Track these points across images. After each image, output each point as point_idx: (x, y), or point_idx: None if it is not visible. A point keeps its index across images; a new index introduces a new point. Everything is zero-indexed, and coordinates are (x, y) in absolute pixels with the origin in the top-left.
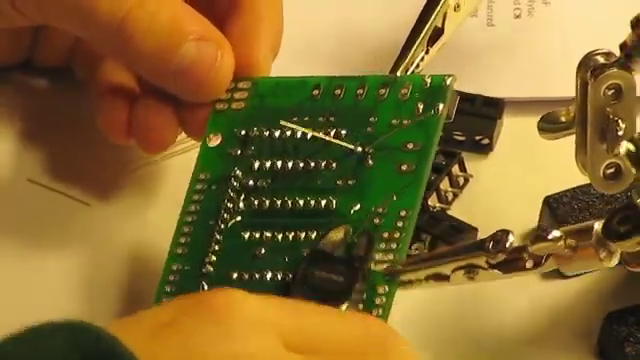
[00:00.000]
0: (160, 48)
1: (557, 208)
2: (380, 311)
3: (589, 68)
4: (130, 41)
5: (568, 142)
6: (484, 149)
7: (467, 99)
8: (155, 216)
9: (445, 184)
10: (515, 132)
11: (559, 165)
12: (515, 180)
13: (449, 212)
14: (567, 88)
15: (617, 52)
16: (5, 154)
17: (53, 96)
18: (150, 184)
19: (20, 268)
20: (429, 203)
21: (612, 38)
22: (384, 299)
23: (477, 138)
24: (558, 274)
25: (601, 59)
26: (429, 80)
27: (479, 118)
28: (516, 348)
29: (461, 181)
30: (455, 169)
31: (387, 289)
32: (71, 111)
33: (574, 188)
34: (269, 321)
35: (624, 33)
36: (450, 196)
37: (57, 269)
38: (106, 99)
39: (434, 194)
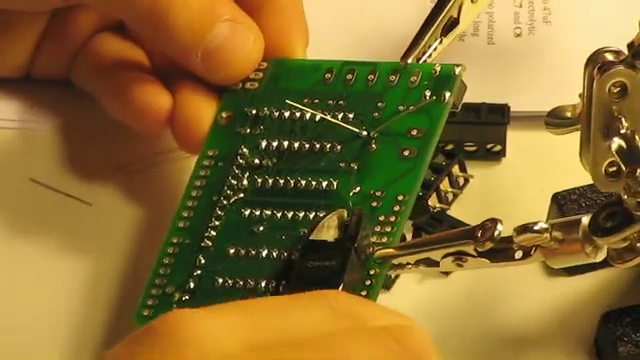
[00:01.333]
0: (192, 26)
1: (564, 205)
2: (369, 292)
3: (596, 64)
4: (163, 18)
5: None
6: (496, 156)
7: (471, 109)
8: (156, 216)
9: (445, 184)
10: (522, 137)
11: (570, 166)
12: (524, 182)
13: (449, 212)
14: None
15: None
16: (8, 154)
17: (56, 96)
18: (151, 185)
19: (21, 267)
20: (429, 203)
21: None
22: (373, 280)
23: (489, 146)
24: (559, 272)
25: (610, 56)
26: (438, 68)
27: (487, 126)
28: (513, 346)
29: (461, 181)
30: (455, 169)
31: (378, 271)
32: (74, 110)
33: (583, 186)
34: (221, 329)
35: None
36: (450, 196)
37: (58, 268)
38: (138, 88)
39: (434, 194)
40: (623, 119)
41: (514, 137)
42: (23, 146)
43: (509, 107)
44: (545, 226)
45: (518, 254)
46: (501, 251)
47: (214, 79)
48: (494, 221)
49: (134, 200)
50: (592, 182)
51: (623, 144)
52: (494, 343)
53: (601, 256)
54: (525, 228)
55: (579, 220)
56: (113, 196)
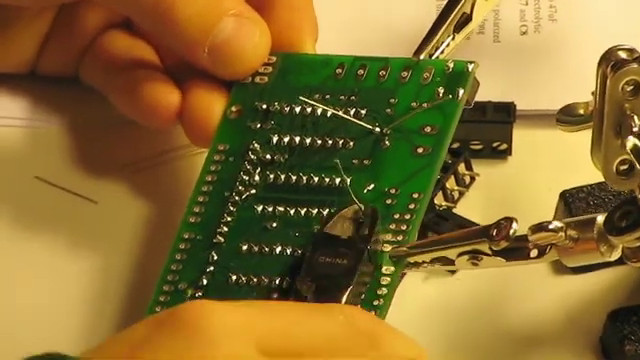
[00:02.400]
0: (198, 20)
1: (572, 203)
2: (385, 291)
3: (610, 62)
4: (168, 13)
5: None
6: (502, 155)
7: (478, 107)
8: (161, 214)
9: (451, 183)
10: (528, 135)
11: (577, 164)
12: (531, 180)
13: (455, 211)
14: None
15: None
16: (13, 152)
17: (61, 93)
18: (157, 183)
19: (27, 264)
20: (435, 202)
21: None
22: (389, 279)
23: (494, 145)
24: (566, 270)
25: (623, 54)
26: (451, 65)
27: (493, 124)
28: (519, 345)
29: (467, 180)
30: (461, 168)
31: (393, 270)
32: (79, 108)
33: (591, 184)
34: (240, 327)
35: None
36: (456, 195)
37: (63, 266)
38: (148, 85)
39: (440, 193)
40: (636, 117)
41: (520, 135)
42: (28, 144)
43: (515, 105)
44: (560, 225)
45: (533, 253)
46: (516, 250)
47: (221, 74)
48: (509, 220)
49: (140, 198)
50: (600, 180)
51: (638, 143)
52: (500, 341)
53: (616, 255)
54: (540, 227)
55: (594, 219)
56: (119, 194)
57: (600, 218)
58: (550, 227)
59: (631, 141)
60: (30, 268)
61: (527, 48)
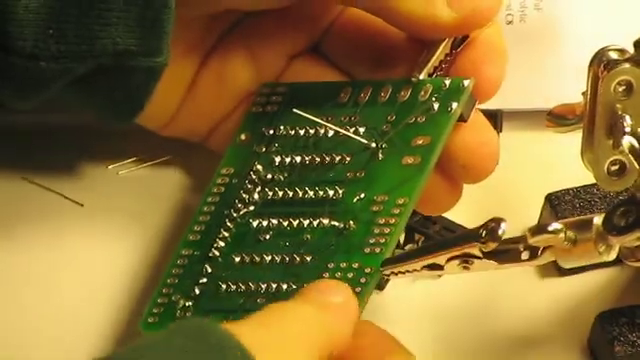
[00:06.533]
0: None
1: (558, 205)
2: (361, 289)
3: (602, 63)
4: None
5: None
6: None
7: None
8: (146, 217)
9: None
10: (515, 137)
11: (564, 167)
12: (518, 182)
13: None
14: (559, 97)
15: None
16: (1, 152)
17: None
18: (142, 186)
19: (12, 266)
20: None
21: (604, 43)
22: (368, 279)
23: None
24: (554, 272)
25: (614, 55)
26: (447, 82)
27: None
28: (508, 346)
29: None
30: None
31: (372, 270)
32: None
33: (577, 187)
34: None
35: (616, 38)
36: None
37: (48, 268)
38: None
39: None
40: (628, 117)
41: (507, 137)
42: (17, 145)
43: (502, 114)
44: (559, 227)
45: (525, 255)
46: (507, 252)
47: None
48: (498, 220)
49: (125, 201)
50: (585, 183)
51: (635, 143)
52: (488, 344)
53: (613, 255)
54: (540, 229)
55: (591, 219)
56: (105, 197)
57: (597, 219)
58: (549, 229)
59: (627, 140)
60: (14, 268)
61: (513, 37)
